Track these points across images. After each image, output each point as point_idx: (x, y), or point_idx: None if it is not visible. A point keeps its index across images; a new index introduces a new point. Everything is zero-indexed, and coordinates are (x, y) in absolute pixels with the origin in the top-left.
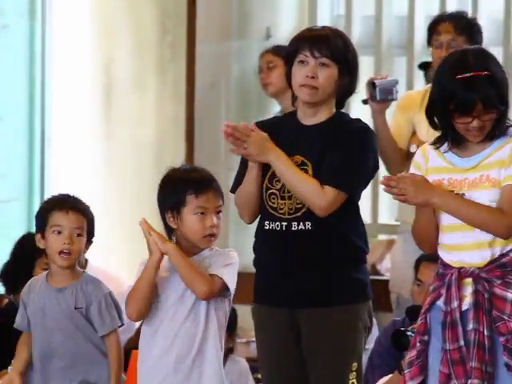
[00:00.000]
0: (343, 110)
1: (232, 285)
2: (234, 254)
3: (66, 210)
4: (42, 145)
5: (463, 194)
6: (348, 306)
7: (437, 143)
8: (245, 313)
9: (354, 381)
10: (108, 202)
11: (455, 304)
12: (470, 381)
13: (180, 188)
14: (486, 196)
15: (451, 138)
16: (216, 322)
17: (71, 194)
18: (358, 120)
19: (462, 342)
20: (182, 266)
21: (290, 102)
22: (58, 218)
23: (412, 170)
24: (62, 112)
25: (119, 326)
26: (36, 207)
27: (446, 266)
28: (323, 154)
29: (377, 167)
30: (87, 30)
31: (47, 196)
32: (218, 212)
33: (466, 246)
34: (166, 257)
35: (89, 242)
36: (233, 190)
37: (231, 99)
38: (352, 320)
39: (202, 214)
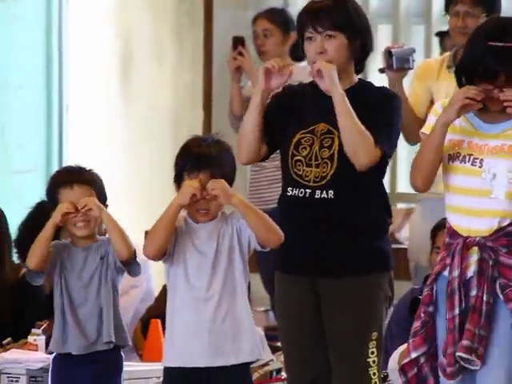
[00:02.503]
0: (364, 78)
1: None
2: None
3: (71, 186)
4: (59, 114)
5: (482, 160)
6: (368, 275)
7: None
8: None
9: (374, 349)
10: (126, 170)
11: (456, 273)
12: (460, 342)
13: (180, 163)
14: (503, 165)
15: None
16: (244, 282)
17: (74, 166)
18: (385, 87)
19: (456, 311)
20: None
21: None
22: (65, 195)
23: (431, 116)
24: (80, 81)
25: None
26: None
27: (453, 234)
28: None
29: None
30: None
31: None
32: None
33: (476, 212)
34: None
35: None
36: None
37: (257, 64)
38: (372, 289)
39: (194, 195)
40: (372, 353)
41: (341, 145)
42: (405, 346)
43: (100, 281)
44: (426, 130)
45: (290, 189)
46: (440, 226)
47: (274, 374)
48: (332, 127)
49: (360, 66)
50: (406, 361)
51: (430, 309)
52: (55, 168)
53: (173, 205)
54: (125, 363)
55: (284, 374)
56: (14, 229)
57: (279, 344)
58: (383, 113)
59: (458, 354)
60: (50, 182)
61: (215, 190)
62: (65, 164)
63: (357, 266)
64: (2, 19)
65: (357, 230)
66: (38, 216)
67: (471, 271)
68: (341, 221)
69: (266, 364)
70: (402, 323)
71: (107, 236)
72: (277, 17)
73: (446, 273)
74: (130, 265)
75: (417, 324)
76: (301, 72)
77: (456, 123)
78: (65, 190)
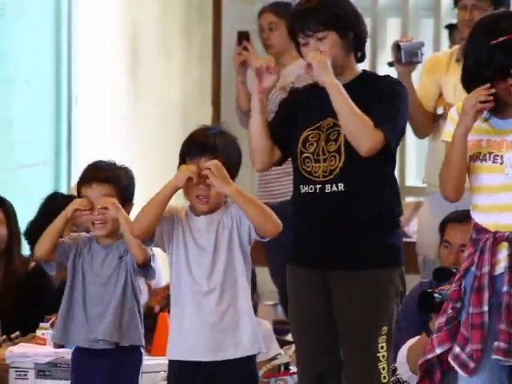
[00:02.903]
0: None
1: None
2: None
3: (89, 183)
4: (68, 109)
5: (502, 156)
6: (379, 269)
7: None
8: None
9: (384, 344)
10: (135, 164)
11: (486, 269)
12: (496, 343)
13: (184, 151)
14: None
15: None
16: (245, 275)
17: (103, 161)
18: (389, 76)
19: (485, 308)
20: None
21: (289, 63)
22: (85, 191)
23: (448, 124)
24: (89, 76)
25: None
26: (63, 171)
27: (480, 230)
28: None
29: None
30: None
31: (74, 159)
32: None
33: (503, 207)
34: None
35: (126, 205)
36: None
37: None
38: (383, 283)
39: (191, 178)
40: (382, 347)
41: (346, 138)
42: (414, 339)
43: (117, 280)
44: (446, 137)
45: (301, 186)
46: (449, 220)
47: (282, 368)
48: (337, 120)
49: (361, 54)
50: (429, 356)
51: (458, 305)
52: (64, 161)
53: (167, 186)
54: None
55: (292, 368)
56: (22, 222)
57: (287, 338)
58: (385, 97)
59: (494, 356)
60: (78, 179)
61: (207, 170)
62: (74, 158)
63: (367, 260)
64: (11, 14)
65: (367, 223)
66: (50, 208)
67: (501, 267)
68: (352, 213)
69: (274, 358)
70: (411, 317)
71: None
72: (282, 10)
73: (473, 268)
74: (146, 268)
75: (442, 319)
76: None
77: (475, 124)
78: (85, 187)
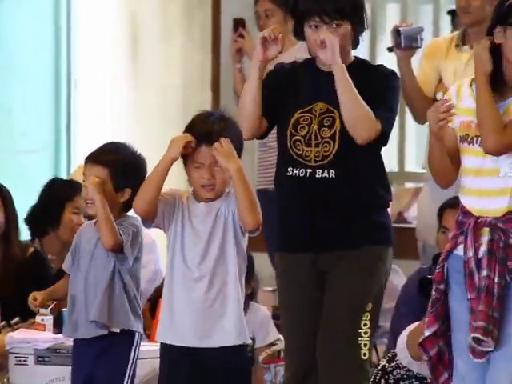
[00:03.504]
0: (373, 57)
1: None
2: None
3: (86, 162)
4: (68, 94)
5: None
6: (369, 247)
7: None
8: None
9: (368, 322)
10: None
11: (471, 253)
12: (474, 323)
13: None
14: None
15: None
16: (237, 264)
17: (106, 145)
18: (383, 66)
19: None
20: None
21: (286, 48)
22: (85, 169)
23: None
24: (88, 61)
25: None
26: (63, 156)
27: (466, 213)
28: None
29: None
30: None
31: (74, 145)
32: (217, 164)
33: (487, 192)
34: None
35: (119, 191)
36: None
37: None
38: (373, 260)
39: (197, 167)
40: (365, 324)
41: (342, 124)
42: (413, 325)
43: (107, 266)
44: None
45: (290, 169)
46: (447, 206)
47: (281, 353)
48: (331, 106)
49: (357, 42)
50: (420, 339)
51: (441, 286)
52: (64, 147)
53: (164, 159)
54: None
55: None
56: (22, 208)
57: None
58: (381, 89)
59: (473, 335)
60: None
61: (218, 145)
62: (73, 144)
63: (358, 238)
64: (9, 0)
65: (356, 206)
66: (51, 193)
67: (481, 251)
68: (341, 199)
69: (274, 344)
70: (410, 303)
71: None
72: None
73: (456, 251)
74: (117, 255)
75: (429, 303)
76: (305, 49)
77: (467, 104)
78: (85, 166)
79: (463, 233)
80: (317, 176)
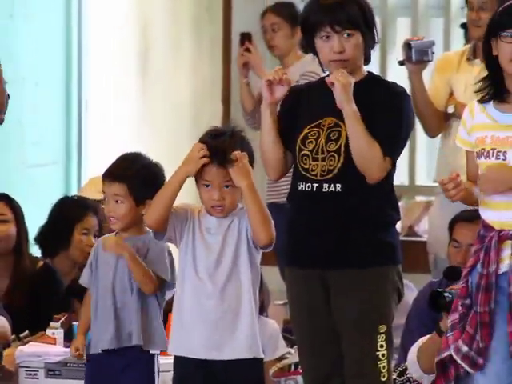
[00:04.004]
0: (383, 71)
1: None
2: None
3: (103, 180)
4: (79, 108)
5: (505, 152)
6: (375, 267)
7: (482, 91)
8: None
9: (384, 343)
10: None
11: (493, 268)
12: (511, 348)
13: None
14: None
15: (494, 88)
16: (251, 279)
17: (120, 159)
18: (394, 84)
19: (492, 305)
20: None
21: (292, 62)
22: (103, 188)
23: (460, 128)
24: (99, 75)
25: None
26: (73, 171)
27: (487, 227)
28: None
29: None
30: None
31: (84, 159)
32: (227, 186)
33: (505, 205)
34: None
35: (140, 205)
36: None
37: (268, 58)
38: (380, 282)
39: (207, 186)
40: (381, 346)
41: (348, 138)
42: (424, 338)
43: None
44: (460, 143)
45: (299, 183)
46: (457, 219)
47: (293, 367)
48: (339, 120)
49: (367, 58)
50: (445, 354)
51: (467, 301)
52: (74, 161)
53: (178, 173)
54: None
55: None
56: (32, 222)
57: None
58: (391, 117)
59: None
60: None
61: (238, 156)
62: (84, 157)
63: (364, 258)
64: (20, 15)
65: (363, 223)
66: (61, 212)
67: (505, 265)
68: (348, 214)
69: (284, 357)
70: (421, 316)
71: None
72: (284, 10)
73: (479, 266)
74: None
75: (454, 317)
76: (312, 62)
77: (480, 120)
78: (103, 183)
79: (484, 247)
80: (324, 190)
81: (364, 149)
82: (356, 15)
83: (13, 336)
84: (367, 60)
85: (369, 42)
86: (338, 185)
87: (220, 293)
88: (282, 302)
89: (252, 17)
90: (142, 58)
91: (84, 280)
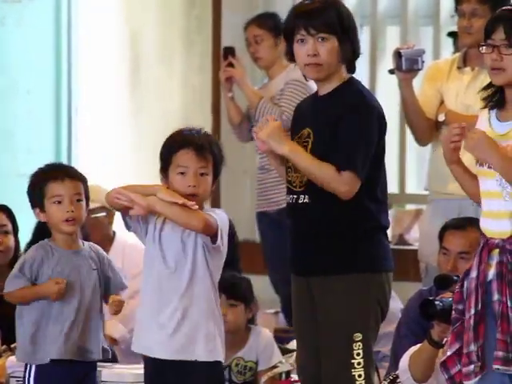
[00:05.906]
0: (373, 79)
1: (224, 234)
2: (224, 215)
3: (62, 179)
4: (69, 117)
5: None
6: (353, 275)
7: (486, 99)
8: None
9: (360, 351)
10: (137, 175)
11: (474, 274)
12: (495, 353)
13: (166, 152)
14: None
15: (497, 96)
16: (210, 275)
17: (59, 163)
18: (358, 94)
19: (472, 311)
20: (169, 210)
21: (278, 73)
22: (56, 188)
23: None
24: (89, 85)
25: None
26: None
27: (482, 235)
28: (324, 125)
29: (377, 140)
30: (114, 3)
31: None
32: (202, 174)
33: (496, 214)
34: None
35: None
36: None
37: (257, 70)
38: (357, 290)
39: (182, 173)
40: (358, 354)
41: (313, 149)
42: (415, 347)
43: None
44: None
45: (286, 195)
46: (448, 227)
47: (284, 376)
48: (312, 130)
49: (351, 68)
50: (443, 358)
51: (460, 307)
52: None
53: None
54: (132, 366)
55: (294, 376)
56: (24, 230)
57: (288, 346)
58: (346, 130)
59: (495, 366)
60: (34, 179)
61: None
62: (74, 166)
63: (342, 265)
64: (11, 23)
65: (333, 233)
66: (43, 230)
67: (491, 274)
68: (318, 224)
69: (275, 366)
70: (411, 325)
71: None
72: (267, 21)
73: (471, 271)
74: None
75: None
76: (296, 70)
77: (482, 127)
78: (55, 184)
79: (477, 254)
80: (299, 201)
81: (315, 174)
82: (332, 20)
83: (4, 346)
84: (351, 69)
85: (346, 48)
86: (306, 196)
87: (181, 291)
88: (272, 311)
89: (241, 29)
90: (133, 68)
91: None
